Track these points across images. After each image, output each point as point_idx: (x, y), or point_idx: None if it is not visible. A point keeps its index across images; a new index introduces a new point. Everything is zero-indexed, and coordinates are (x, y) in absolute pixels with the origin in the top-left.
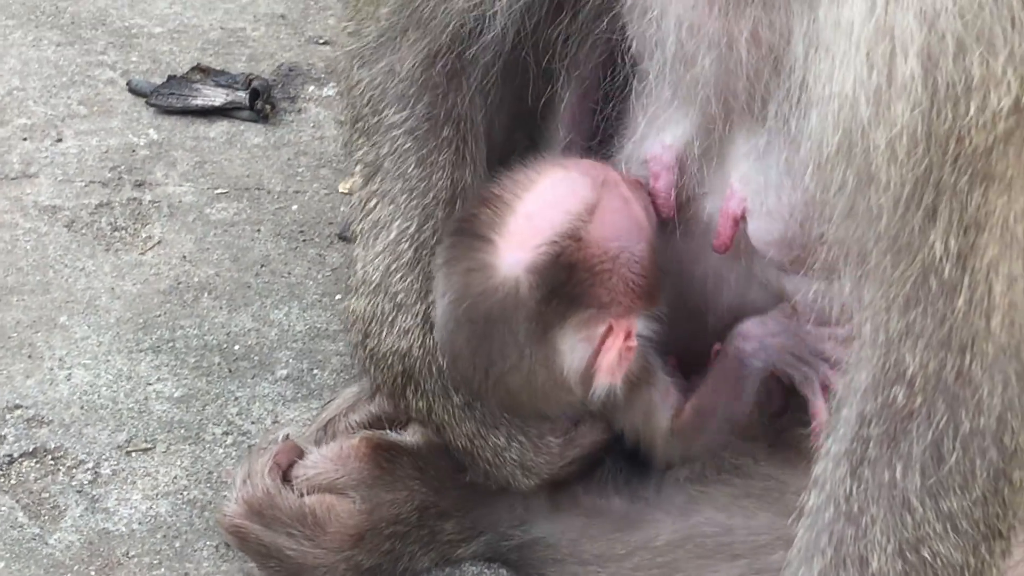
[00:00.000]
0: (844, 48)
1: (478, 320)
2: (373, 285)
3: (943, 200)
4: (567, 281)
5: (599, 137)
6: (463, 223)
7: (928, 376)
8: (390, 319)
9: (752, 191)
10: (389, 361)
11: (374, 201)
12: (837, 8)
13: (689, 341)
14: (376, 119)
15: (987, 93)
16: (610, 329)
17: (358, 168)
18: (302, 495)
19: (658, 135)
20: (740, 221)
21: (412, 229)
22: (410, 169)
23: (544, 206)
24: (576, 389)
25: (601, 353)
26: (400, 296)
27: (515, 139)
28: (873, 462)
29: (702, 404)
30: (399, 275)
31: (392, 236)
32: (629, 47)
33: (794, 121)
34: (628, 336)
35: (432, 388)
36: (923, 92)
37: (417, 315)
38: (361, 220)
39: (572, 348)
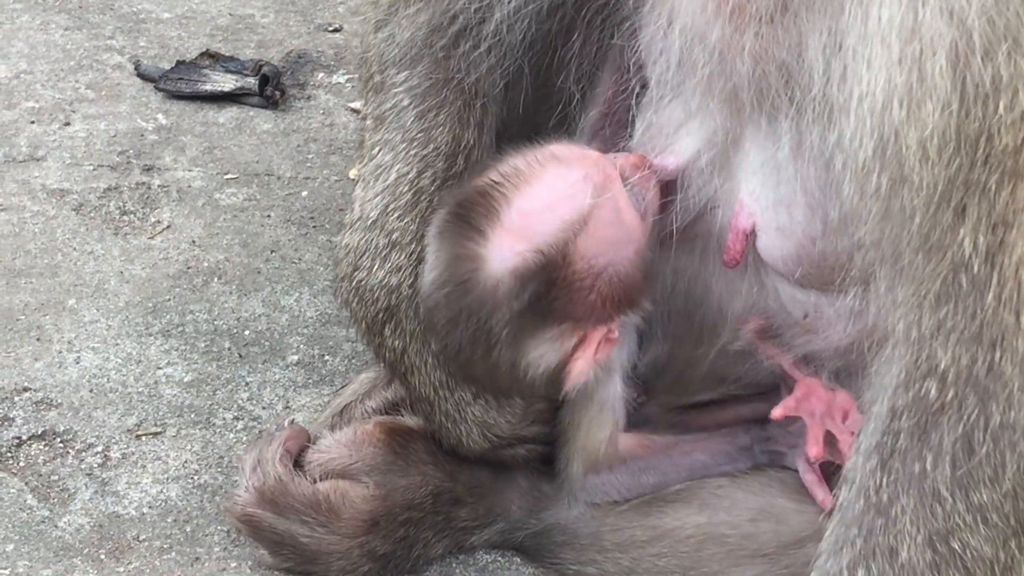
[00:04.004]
0: (875, 52)
1: (456, 307)
2: (370, 221)
3: (972, 198)
4: (546, 293)
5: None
6: (460, 206)
7: (960, 370)
8: (383, 254)
9: (762, 207)
10: (376, 295)
11: (376, 149)
12: (864, 12)
13: (697, 352)
14: (380, 78)
15: (1016, 92)
16: (584, 339)
17: (368, 123)
18: (315, 481)
19: (669, 146)
20: (750, 236)
21: (412, 175)
22: (409, 122)
23: (540, 207)
24: (542, 388)
25: (572, 362)
26: (396, 234)
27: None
28: (903, 453)
29: (653, 445)
30: (397, 215)
31: (391, 179)
32: (639, 61)
33: (812, 133)
34: (609, 332)
35: (412, 329)
36: (952, 92)
37: (412, 255)
38: (364, 165)
39: (542, 355)
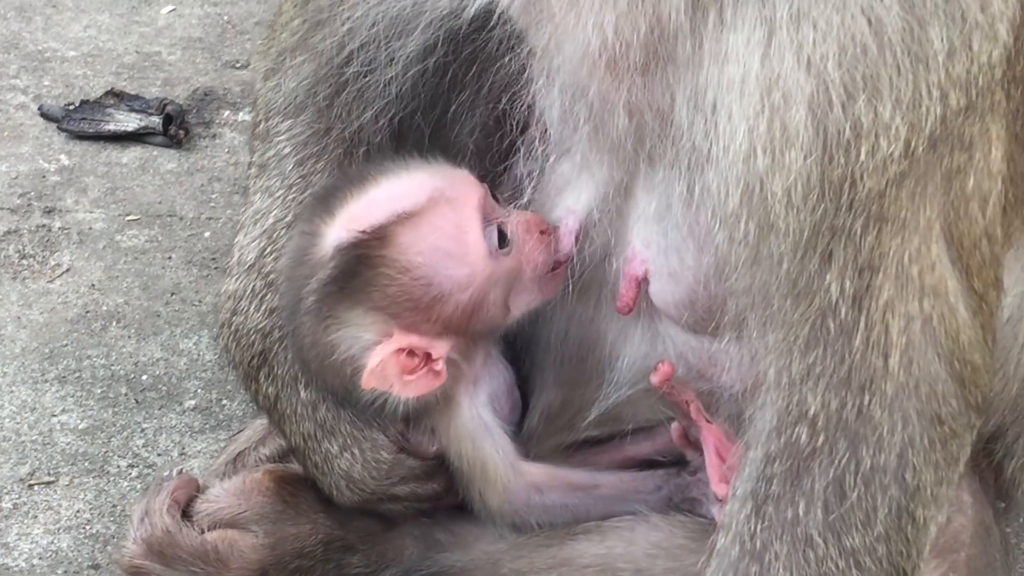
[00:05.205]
0: (734, 104)
1: (288, 276)
2: (247, 265)
3: (838, 243)
4: (354, 270)
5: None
6: (325, 189)
7: (830, 415)
8: (260, 296)
9: (653, 253)
10: (252, 339)
11: (257, 195)
12: (720, 67)
13: (589, 397)
14: (265, 126)
15: (876, 139)
16: (389, 337)
17: (252, 171)
18: (203, 531)
19: (562, 199)
20: (642, 283)
21: (288, 218)
22: (289, 168)
23: (384, 197)
24: (351, 383)
25: (369, 356)
26: (272, 276)
27: None
28: (777, 499)
29: (568, 478)
30: (273, 256)
31: (269, 223)
32: (535, 118)
33: (688, 181)
34: (429, 356)
35: (283, 375)
36: (815, 139)
37: None
38: (244, 212)
39: (343, 339)
